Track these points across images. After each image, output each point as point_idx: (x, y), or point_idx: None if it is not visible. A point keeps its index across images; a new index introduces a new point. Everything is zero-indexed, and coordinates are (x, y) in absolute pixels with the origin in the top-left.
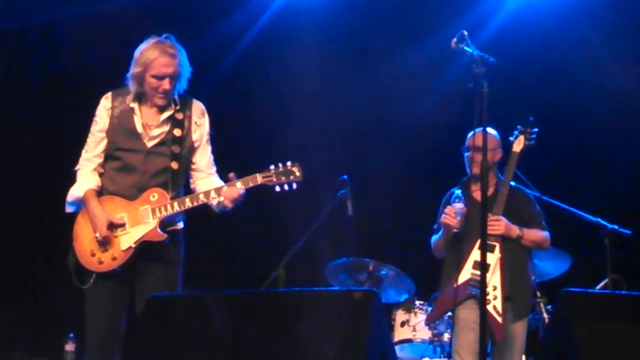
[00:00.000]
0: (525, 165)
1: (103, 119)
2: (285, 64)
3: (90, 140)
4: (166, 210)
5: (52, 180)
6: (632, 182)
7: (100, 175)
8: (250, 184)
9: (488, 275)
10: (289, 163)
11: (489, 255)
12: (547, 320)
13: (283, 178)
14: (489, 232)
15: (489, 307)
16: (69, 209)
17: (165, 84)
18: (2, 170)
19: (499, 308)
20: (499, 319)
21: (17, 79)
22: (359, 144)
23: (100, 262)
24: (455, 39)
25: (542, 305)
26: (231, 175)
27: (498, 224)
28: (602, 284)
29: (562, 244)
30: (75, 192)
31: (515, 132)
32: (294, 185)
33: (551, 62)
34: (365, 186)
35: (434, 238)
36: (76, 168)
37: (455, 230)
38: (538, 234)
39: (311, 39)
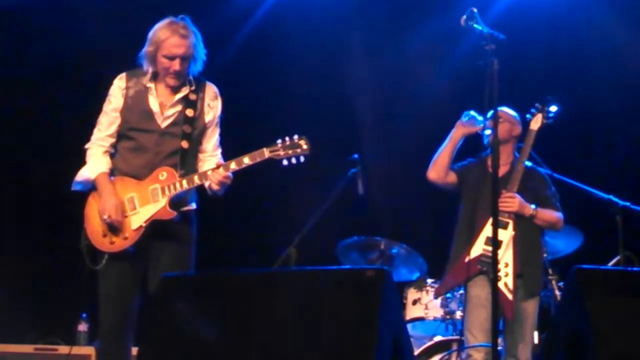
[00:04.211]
0: (536, 142)
1: (117, 99)
2: (294, 42)
3: (104, 119)
4: (175, 188)
5: (68, 162)
6: None
7: (112, 156)
8: (258, 159)
9: (500, 252)
10: (295, 136)
11: (502, 232)
12: (559, 298)
13: (290, 151)
14: (502, 208)
15: (500, 284)
16: (75, 187)
17: (176, 65)
18: (18, 150)
19: (510, 285)
20: (510, 297)
21: (25, 61)
22: (369, 122)
23: (112, 243)
24: (464, 17)
25: (554, 282)
26: (219, 162)
27: (512, 201)
28: (613, 261)
29: (573, 221)
30: (85, 173)
31: (533, 110)
32: (302, 159)
33: (561, 38)
34: (376, 165)
35: (437, 152)
36: (87, 146)
37: (467, 131)
38: (552, 215)
39: (320, 17)
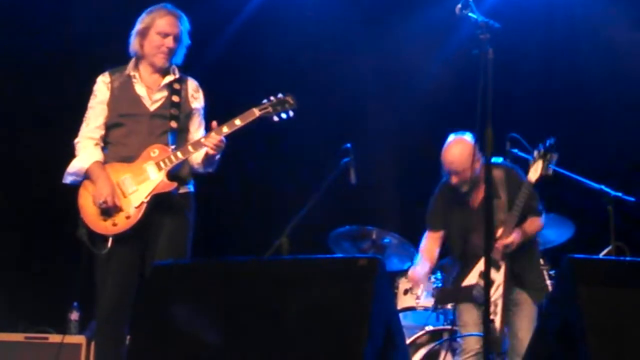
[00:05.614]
0: (528, 131)
1: (102, 92)
2: (290, 29)
3: (90, 113)
4: (170, 161)
5: (59, 152)
6: (637, 148)
7: (103, 148)
8: (249, 119)
9: (492, 290)
10: (280, 95)
11: (494, 273)
12: (550, 288)
13: (279, 107)
14: (502, 251)
15: None
16: (67, 180)
17: (169, 42)
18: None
19: (497, 324)
20: (498, 335)
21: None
22: (362, 111)
23: (115, 224)
24: (459, 5)
25: (545, 272)
26: (214, 123)
27: (510, 248)
28: (605, 251)
29: (565, 211)
30: (78, 164)
31: (536, 152)
32: (291, 113)
33: (556, 27)
34: (368, 154)
35: (417, 259)
36: (76, 140)
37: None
38: (534, 224)
39: (314, 6)
